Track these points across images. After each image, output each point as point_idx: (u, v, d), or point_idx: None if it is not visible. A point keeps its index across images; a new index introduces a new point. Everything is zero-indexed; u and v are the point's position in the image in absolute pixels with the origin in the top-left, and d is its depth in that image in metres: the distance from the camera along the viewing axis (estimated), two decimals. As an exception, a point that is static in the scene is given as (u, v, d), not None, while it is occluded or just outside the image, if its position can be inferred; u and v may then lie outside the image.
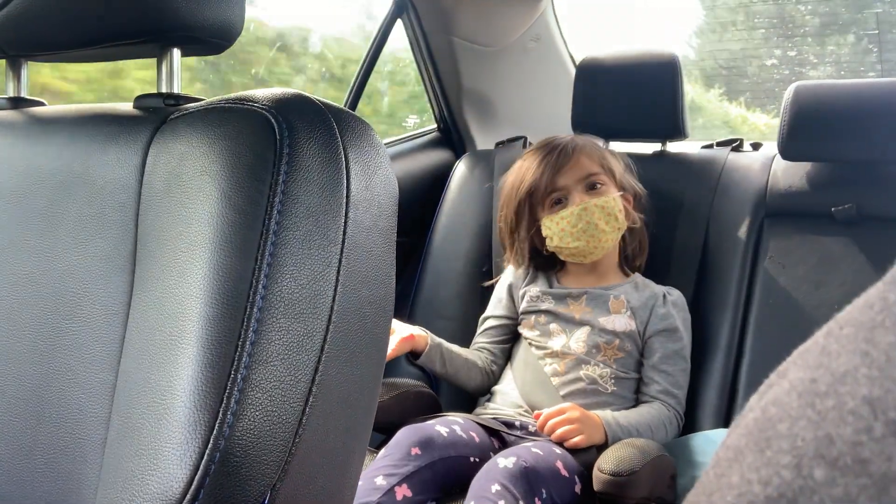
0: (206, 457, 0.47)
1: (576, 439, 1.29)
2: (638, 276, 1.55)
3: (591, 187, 1.48)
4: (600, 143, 1.59)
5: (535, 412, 1.35)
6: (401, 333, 1.46)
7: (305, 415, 0.52)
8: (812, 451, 0.21)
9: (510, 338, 1.59)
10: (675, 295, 1.52)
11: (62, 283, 0.60)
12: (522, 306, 1.57)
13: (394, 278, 0.61)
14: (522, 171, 1.53)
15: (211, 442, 0.48)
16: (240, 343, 0.49)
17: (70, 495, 0.56)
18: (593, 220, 1.45)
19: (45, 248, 0.61)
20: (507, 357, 1.57)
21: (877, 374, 0.20)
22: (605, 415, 1.35)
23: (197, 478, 0.47)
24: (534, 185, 1.49)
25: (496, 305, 1.62)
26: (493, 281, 1.69)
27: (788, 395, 0.23)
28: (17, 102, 0.76)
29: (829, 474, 0.20)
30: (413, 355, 1.50)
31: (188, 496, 0.47)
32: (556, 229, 1.48)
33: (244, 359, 0.49)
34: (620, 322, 1.47)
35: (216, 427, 0.48)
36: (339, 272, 0.54)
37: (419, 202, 1.87)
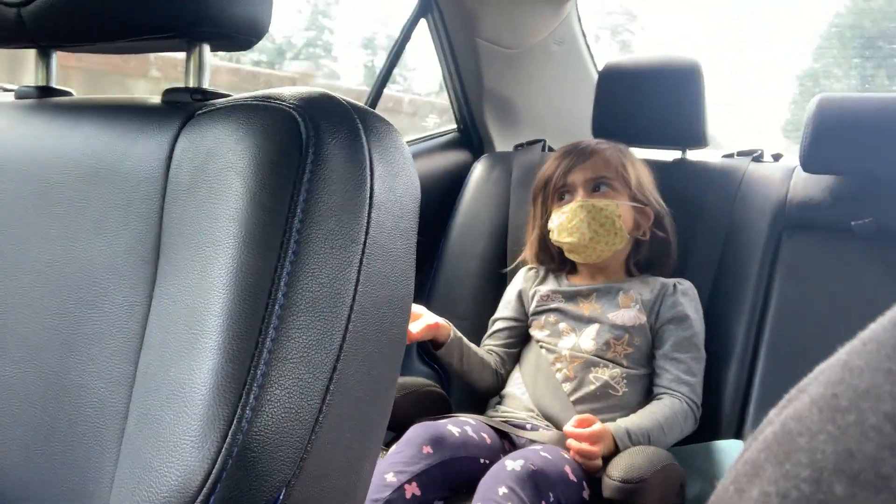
0: (224, 451, 0.48)
1: (594, 463, 1.28)
2: (647, 275, 1.55)
3: (596, 188, 1.51)
4: (629, 154, 1.58)
5: (565, 428, 1.34)
6: (427, 320, 1.46)
7: (322, 413, 0.52)
8: (832, 465, 0.21)
9: (518, 341, 1.59)
10: (686, 285, 1.52)
11: (85, 273, 0.60)
12: (532, 306, 1.57)
13: (413, 280, 0.61)
14: (545, 166, 1.59)
15: (229, 436, 0.48)
16: (260, 339, 0.50)
17: (87, 483, 0.57)
18: (587, 219, 1.47)
19: (69, 237, 0.62)
20: (515, 361, 1.58)
21: None
22: (618, 429, 1.34)
23: (214, 471, 0.48)
24: (548, 178, 1.55)
25: (506, 307, 1.63)
26: (512, 267, 1.71)
27: (809, 410, 0.23)
28: (45, 92, 0.77)
29: (850, 490, 0.20)
30: (434, 345, 1.50)
31: (205, 489, 0.48)
32: (556, 223, 1.51)
33: (264, 355, 0.49)
34: (629, 316, 1.47)
35: (235, 422, 0.48)
36: (359, 272, 0.54)
37: (437, 202, 1.87)
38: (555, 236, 1.52)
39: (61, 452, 0.59)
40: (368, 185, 0.56)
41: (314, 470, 0.52)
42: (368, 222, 0.55)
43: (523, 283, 1.63)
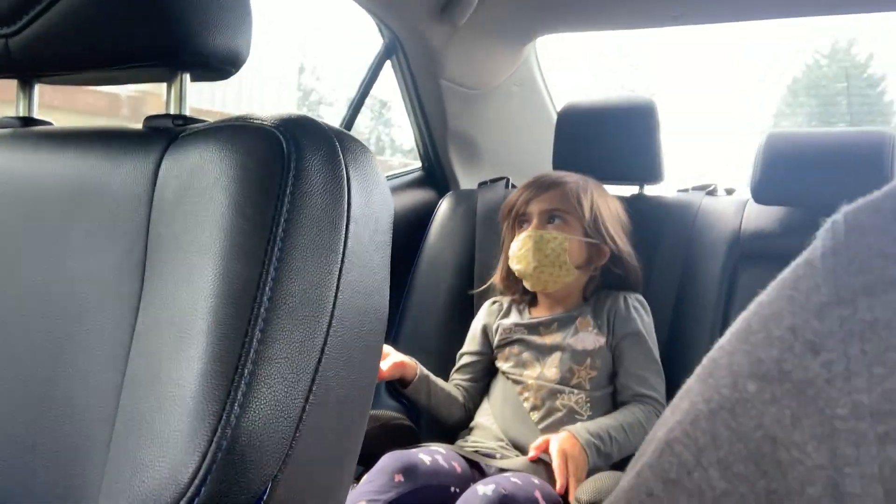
0: (213, 445, 0.50)
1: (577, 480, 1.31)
2: (598, 294, 1.59)
3: (549, 220, 1.55)
4: (595, 189, 1.61)
5: (530, 455, 1.36)
6: (394, 359, 1.48)
7: (305, 411, 0.55)
8: (746, 371, 0.26)
9: (485, 374, 1.62)
10: (635, 297, 1.56)
11: (72, 289, 0.62)
12: (497, 340, 1.61)
13: (388, 291, 0.64)
14: (513, 193, 1.65)
15: (218, 431, 0.50)
16: (247, 340, 0.52)
17: (72, 492, 0.58)
18: (533, 249, 1.51)
19: (56, 256, 0.64)
20: (483, 394, 1.60)
21: (798, 310, 0.26)
22: (577, 430, 1.37)
23: (204, 465, 0.50)
24: (510, 206, 1.62)
25: (471, 341, 1.66)
26: (481, 289, 1.75)
27: (728, 340, 0.29)
28: (27, 122, 0.79)
29: (760, 385, 0.25)
30: (401, 383, 1.53)
31: (196, 481, 0.50)
32: (513, 249, 1.57)
33: (251, 355, 0.52)
34: (589, 339, 1.51)
35: (223, 417, 0.51)
36: (339, 280, 0.57)
37: (403, 239, 1.90)
38: (511, 262, 1.57)
39: (46, 462, 0.60)
40: (346, 199, 0.59)
41: (298, 465, 0.54)
42: (346, 234, 0.58)
43: (487, 317, 1.66)
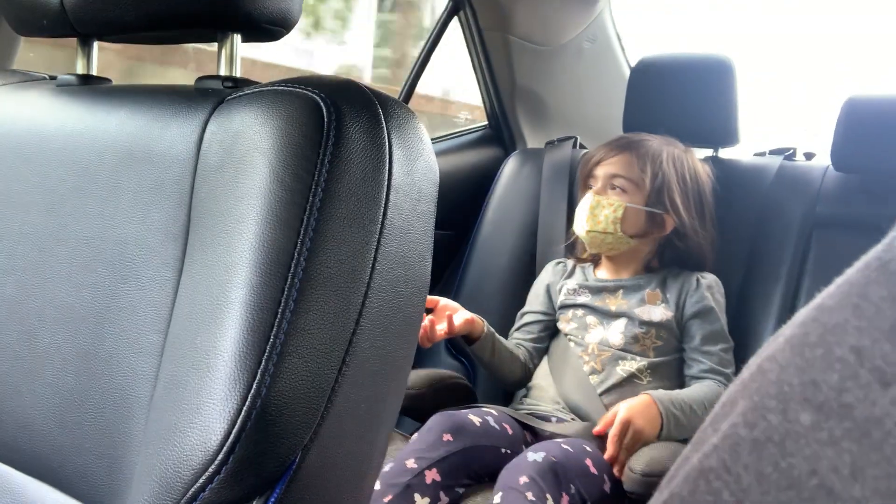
0: (243, 412, 0.51)
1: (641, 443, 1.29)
2: (670, 270, 1.55)
3: (611, 187, 1.52)
4: (674, 156, 1.55)
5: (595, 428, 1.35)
6: (465, 315, 1.49)
7: (338, 382, 0.55)
8: (798, 395, 0.22)
9: (546, 335, 1.61)
10: (709, 278, 1.51)
11: (120, 249, 0.64)
12: (560, 300, 1.59)
13: (430, 261, 0.63)
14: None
15: (249, 399, 0.51)
16: (280, 311, 0.52)
17: (118, 447, 0.60)
18: (589, 214, 1.50)
19: (105, 216, 0.65)
20: (543, 354, 1.59)
21: (865, 325, 0.21)
22: (658, 395, 1.34)
23: (234, 432, 0.51)
24: (584, 165, 1.61)
25: (533, 301, 1.64)
26: (555, 247, 1.74)
27: (781, 348, 0.24)
28: (85, 80, 0.80)
29: (815, 418, 0.21)
30: (468, 340, 1.53)
31: (226, 447, 0.51)
32: (577, 211, 1.56)
33: (283, 325, 0.52)
34: (657, 312, 1.48)
35: (254, 386, 0.51)
36: (377, 251, 0.57)
37: (467, 197, 1.89)
38: (574, 223, 1.57)
39: (93, 418, 0.62)
40: (387, 168, 0.58)
41: (329, 436, 0.55)
42: (386, 204, 0.58)
43: (551, 276, 1.64)
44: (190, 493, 0.51)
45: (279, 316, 0.52)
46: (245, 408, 0.51)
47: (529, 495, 1.15)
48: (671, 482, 0.25)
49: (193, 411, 0.52)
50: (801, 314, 0.24)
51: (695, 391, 1.39)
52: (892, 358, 0.20)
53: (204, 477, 0.51)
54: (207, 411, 0.52)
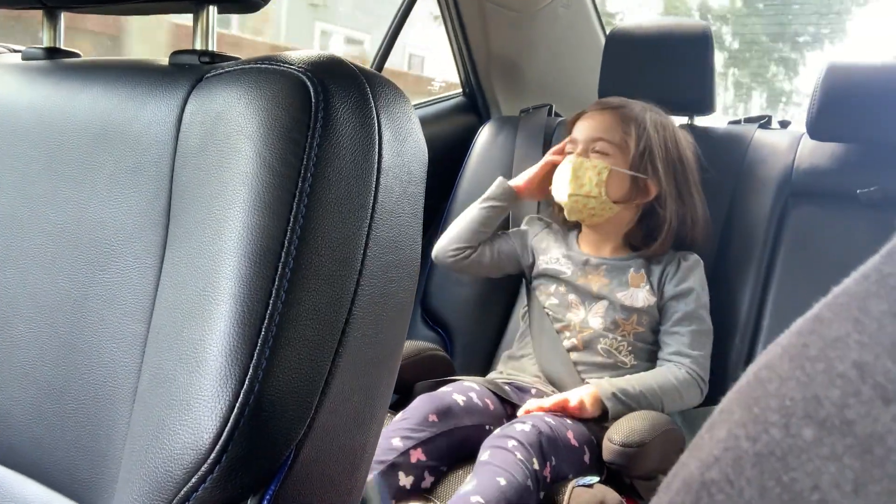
0: (236, 409, 0.49)
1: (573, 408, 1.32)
2: (651, 249, 1.54)
3: (593, 150, 1.50)
4: (654, 120, 1.53)
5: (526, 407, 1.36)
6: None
7: (331, 373, 0.53)
8: (801, 411, 0.22)
9: (504, 255, 1.62)
10: (691, 259, 1.51)
11: (96, 235, 0.61)
12: (542, 263, 1.57)
13: (420, 243, 0.62)
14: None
15: (241, 395, 0.49)
16: (271, 301, 0.50)
17: (99, 441, 0.58)
18: (570, 177, 1.47)
19: (80, 199, 0.62)
20: (491, 258, 1.60)
21: (867, 341, 0.21)
22: (602, 385, 1.36)
23: (227, 430, 0.49)
24: (564, 132, 1.61)
25: (512, 231, 1.67)
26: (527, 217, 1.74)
27: (780, 359, 0.24)
28: (52, 53, 0.77)
29: (818, 434, 0.21)
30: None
31: (218, 446, 0.49)
32: (554, 175, 1.54)
33: (275, 317, 0.50)
34: (640, 297, 1.47)
35: (247, 381, 0.49)
36: (368, 236, 0.55)
37: (443, 166, 1.87)
38: (552, 188, 1.55)
39: (73, 411, 0.60)
40: (377, 149, 0.56)
41: (323, 429, 0.53)
42: (377, 187, 0.56)
43: (528, 226, 1.65)
44: (182, 493, 0.50)
45: (270, 307, 0.50)
46: (238, 404, 0.49)
47: (518, 454, 1.15)
48: (669, 488, 0.25)
49: (183, 408, 0.51)
50: (799, 324, 0.24)
51: (647, 377, 1.39)
52: (894, 375, 0.20)
53: (196, 477, 0.49)
54: (198, 408, 0.50)
